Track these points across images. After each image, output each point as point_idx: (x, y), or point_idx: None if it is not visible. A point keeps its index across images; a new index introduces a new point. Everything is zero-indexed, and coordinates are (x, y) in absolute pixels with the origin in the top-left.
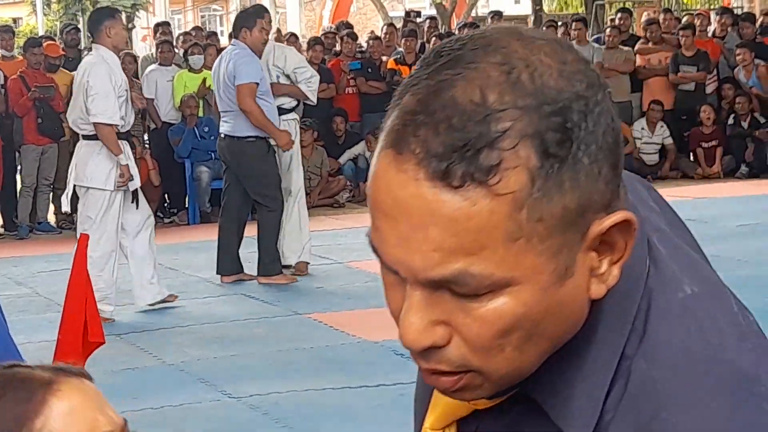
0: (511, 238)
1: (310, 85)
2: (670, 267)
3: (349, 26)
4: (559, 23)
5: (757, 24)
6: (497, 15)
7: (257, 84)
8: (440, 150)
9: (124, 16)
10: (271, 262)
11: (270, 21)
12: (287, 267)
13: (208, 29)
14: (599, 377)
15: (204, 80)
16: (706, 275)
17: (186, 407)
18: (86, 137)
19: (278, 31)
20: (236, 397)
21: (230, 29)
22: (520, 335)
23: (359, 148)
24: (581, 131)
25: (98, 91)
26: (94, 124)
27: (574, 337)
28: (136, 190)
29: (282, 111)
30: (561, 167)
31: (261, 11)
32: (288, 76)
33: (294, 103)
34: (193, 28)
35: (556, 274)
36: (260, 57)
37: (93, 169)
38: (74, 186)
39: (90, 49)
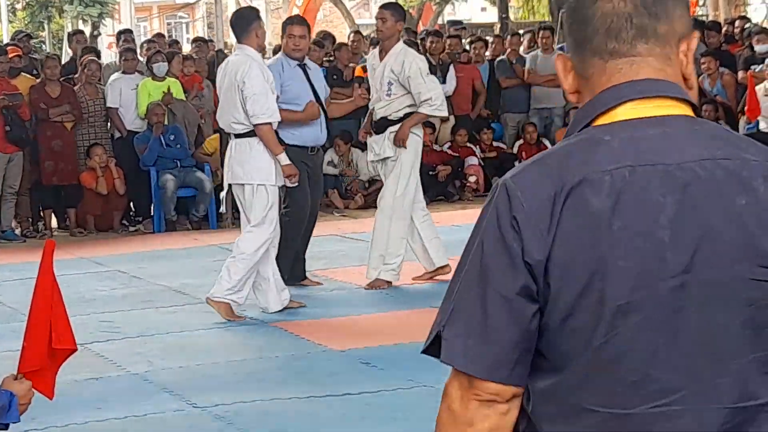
0: None
1: (432, 103)
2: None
3: (328, 36)
4: (523, 31)
5: (722, 32)
6: (457, 24)
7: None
8: None
9: (90, 23)
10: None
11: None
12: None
13: (174, 37)
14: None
15: (168, 88)
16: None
17: (151, 417)
18: (238, 135)
19: None
20: (201, 407)
21: (195, 35)
22: None
23: (328, 155)
24: None
25: (256, 91)
26: (255, 125)
27: None
28: (284, 186)
29: (389, 122)
30: None
31: (289, 20)
32: (403, 85)
33: (401, 113)
34: (155, 35)
35: None
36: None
37: (252, 167)
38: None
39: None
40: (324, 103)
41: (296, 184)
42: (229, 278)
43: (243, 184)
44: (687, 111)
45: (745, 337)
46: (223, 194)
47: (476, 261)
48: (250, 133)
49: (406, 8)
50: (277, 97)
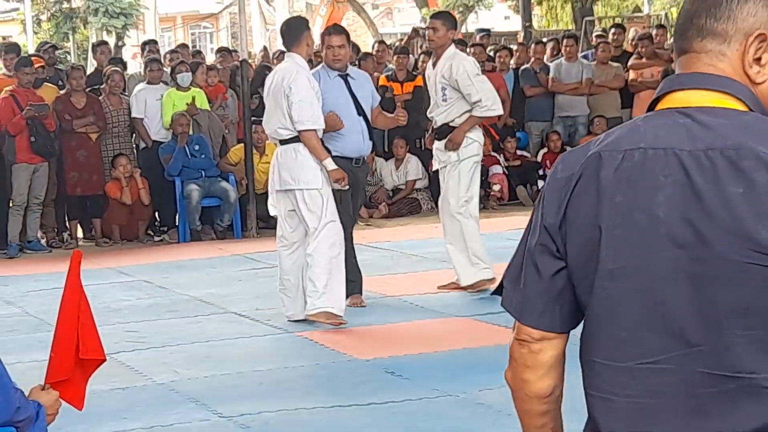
0: None
1: (482, 105)
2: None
3: (352, 46)
4: (546, 39)
5: None
6: (485, 33)
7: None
8: None
9: (114, 35)
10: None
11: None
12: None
13: (198, 47)
14: None
15: (193, 98)
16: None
17: (176, 427)
18: (284, 142)
19: (264, 48)
20: (227, 416)
21: (219, 45)
22: None
23: None
24: None
25: (302, 98)
26: (300, 131)
27: None
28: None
29: (450, 129)
30: None
31: (328, 30)
32: (455, 88)
33: (462, 118)
34: (179, 46)
35: None
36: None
37: (299, 172)
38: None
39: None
40: (368, 113)
41: (347, 187)
42: (314, 288)
43: (293, 190)
44: (729, 103)
45: (735, 315)
46: (271, 206)
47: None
48: (296, 139)
49: (428, 17)
50: None
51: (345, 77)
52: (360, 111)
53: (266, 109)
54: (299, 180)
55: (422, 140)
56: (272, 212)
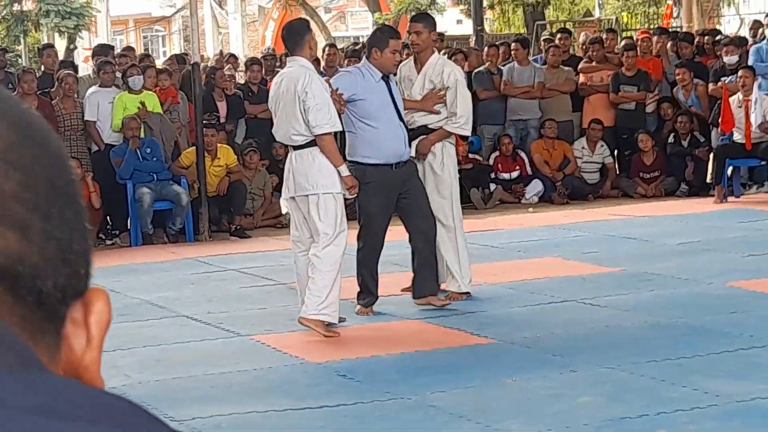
0: None
1: (455, 121)
2: None
3: None
4: (498, 43)
5: (695, 44)
6: (438, 36)
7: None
8: None
9: (66, 37)
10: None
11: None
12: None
13: (150, 50)
14: None
15: (142, 102)
16: None
17: None
18: (297, 147)
19: (220, 52)
20: (179, 420)
21: (172, 50)
22: None
23: None
24: None
25: (318, 101)
26: (317, 135)
27: None
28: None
29: (429, 131)
30: None
31: (393, 33)
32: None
33: (442, 122)
34: (125, 48)
35: None
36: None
37: (317, 176)
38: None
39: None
40: (404, 118)
41: (355, 195)
42: (319, 293)
43: (308, 195)
44: None
45: None
46: (283, 202)
47: None
48: (311, 143)
49: (381, 21)
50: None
51: (386, 80)
52: (400, 116)
53: (277, 116)
54: (317, 184)
55: None
56: (284, 209)
